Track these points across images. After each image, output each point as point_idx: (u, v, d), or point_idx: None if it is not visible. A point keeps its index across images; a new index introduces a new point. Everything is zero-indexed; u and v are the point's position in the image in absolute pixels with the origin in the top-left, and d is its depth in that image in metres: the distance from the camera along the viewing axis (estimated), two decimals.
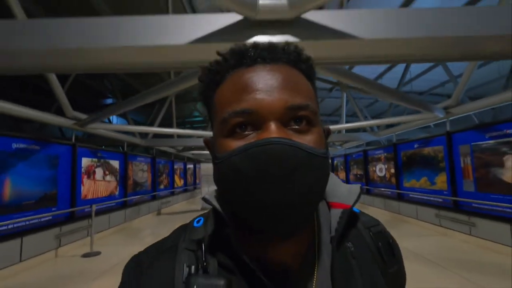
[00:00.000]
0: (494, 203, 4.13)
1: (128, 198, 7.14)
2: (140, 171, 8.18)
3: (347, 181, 10.50)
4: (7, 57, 1.80)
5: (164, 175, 10.15)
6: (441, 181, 5.43)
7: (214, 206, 0.39)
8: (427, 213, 5.81)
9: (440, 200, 5.42)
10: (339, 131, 8.34)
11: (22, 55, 1.78)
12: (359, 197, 0.41)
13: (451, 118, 5.06)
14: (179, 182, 11.97)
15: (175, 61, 1.88)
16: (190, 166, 14.16)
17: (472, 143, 4.65)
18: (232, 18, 1.73)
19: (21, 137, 4.14)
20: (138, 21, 1.77)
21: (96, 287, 3.28)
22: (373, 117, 11.05)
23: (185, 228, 0.43)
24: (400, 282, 0.45)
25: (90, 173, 5.74)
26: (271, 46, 0.37)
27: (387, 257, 0.43)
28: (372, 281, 0.39)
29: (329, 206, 0.43)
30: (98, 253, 4.62)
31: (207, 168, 10.72)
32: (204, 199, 0.40)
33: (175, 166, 11.46)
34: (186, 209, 10.23)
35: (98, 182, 5.98)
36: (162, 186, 9.83)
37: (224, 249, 0.37)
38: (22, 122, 7.94)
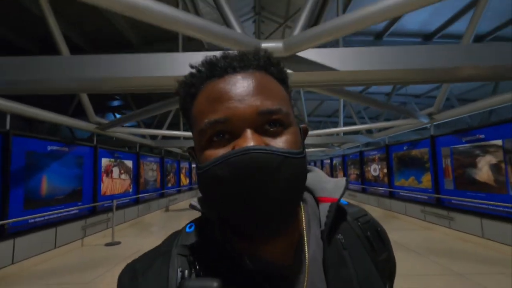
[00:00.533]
0: (468, 199, 4.69)
1: (141, 195, 7.75)
2: (150, 170, 8.79)
3: None
4: (54, 83, 2.36)
5: (171, 174, 10.76)
6: (427, 180, 5.99)
7: (201, 211, 0.41)
8: (414, 209, 6.37)
9: (425, 197, 5.98)
10: (337, 134, 8.90)
11: (64, 81, 2.33)
12: (345, 189, 0.43)
13: (435, 123, 5.61)
14: (184, 180, 12.58)
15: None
16: (195, 165, 14.74)
17: (451, 146, 5.20)
18: None
19: (54, 140, 4.75)
20: (158, 57, 2.27)
21: (117, 271, 3.87)
22: (371, 118, 11.65)
23: (177, 234, 0.44)
24: (390, 267, 0.46)
25: (108, 172, 6.34)
26: (240, 54, 0.38)
27: (377, 244, 0.44)
28: (364, 270, 0.40)
29: (317, 201, 0.45)
30: (118, 243, 5.23)
31: None
32: (191, 206, 0.41)
33: (181, 165, 12.06)
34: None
35: (115, 180, 6.59)
36: (169, 185, 10.44)
37: (215, 252, 0.38)
38: (36, 122, 8.56)
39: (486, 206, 4.38)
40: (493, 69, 2.22)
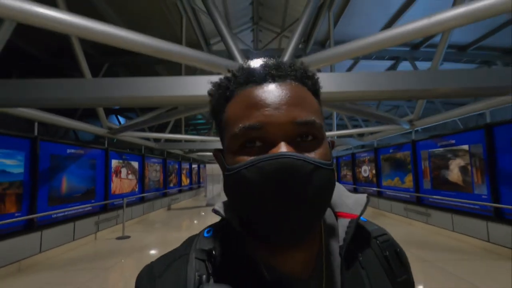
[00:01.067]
0: (440, 197, 5.29)
1: (146, 194, 8.29)
2: (154, 171, 9.32)
3: (338, 181, 11.62)
4: (79, 100, 2.86)
5: (173, 175, 11.29)
6: (409, 180, 6.57)
7: (224, 217, 0.40)
8: (398, 207, 6.96)
9: (408, 196, 6.56)
10: (331, 137, 9.48)
11: (87, 99, 2.84)
12: (365, 206, 0.42)
13: (415, 129, 6.21)
14: (185, 181, 13.11)
15: (192, 102, 2.86)
16: (195, 166, 15.33)
17: (429, 150, 5.79)
18: None
19: (72, 144, 5.28)
20: (165, 80, 2.75)
21: (130, 261, 4.42)
22: (364, 121, 12.28)
23: (195, 238, 0.44)
24: None
25: (117, 173, 6.88)
26: (278, 64, 0.39)
27: (395, 266, 0.44)
28: None
29: (336, 216, 0.44)
30: (128, 237, 5.77)
31: (211, 168, 11.88)
32: (214, 211, 0.41)
33: (182, 166, 12.60)
34: (192, 205, 11.39)
35: (123, 180, 7.13)
36: (171, 185, 10.97)
37: (234, 259, 0.38)
38: (40, 125, 9.07)
39: (456, 204, 4.97)
40: (457, 90, 2.81)
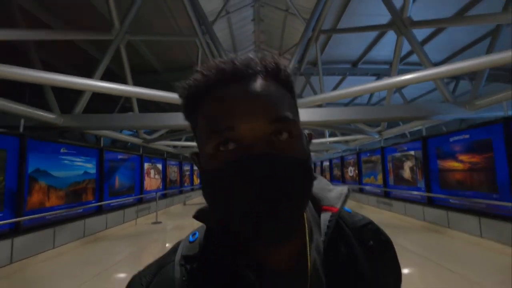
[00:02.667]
0: (398, 190, 6.97)
1: (168, 191, 10.07)
2: (173, 172, 11.11)
3: (331, 179, 13.33)
4: (129, 126, 4.54)
5: (186, 175, 13.08)
6: (380, 178, 8.26)
7: (203, 222, 0.41)
8: (373, 200, 8.65)
9: (379, 191, 8.25)
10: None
11: (135, 125, 4.52)
12: (346, 198, 0.43)
13: (384, 137, 7.89)
14: (196, 180, 14.90)
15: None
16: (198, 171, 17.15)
17: (392, 154, 7.49)
18: None
19: (120, 151, 7.08)
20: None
21: (163, 239, 6.18)
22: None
23: (181, 244, 0.44)
24: (395, 278, 0.46)
25: (148, 173, 8.67)
26: (248, 60, 0.37)
27: (380, 254, 0.44)
28: (366, 280, 0.40)
29: (320, 210, 0.44)
30: (160, 222, 7.54)
31: None
32: (195, 216, 0.41)
33: (194, 168, 14.38)
34: (203, 201, 13.13)
35: (152, 179, 8.91)
36: (186, 184, 12.76)
37: (218, 263, 0.38)
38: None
39: (407, 195, 6.66)
40: (392, 118, 4.49)
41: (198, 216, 0.41)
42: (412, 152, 6.53)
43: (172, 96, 4.09)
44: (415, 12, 4.56)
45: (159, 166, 9.66)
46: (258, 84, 0.36)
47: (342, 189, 0.45)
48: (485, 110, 4.49)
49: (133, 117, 4.91)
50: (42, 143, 4.54)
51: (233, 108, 0.34)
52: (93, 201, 5.77)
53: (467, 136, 4.83)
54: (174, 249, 0.43)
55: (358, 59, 8.16)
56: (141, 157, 8.18)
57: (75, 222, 5.18)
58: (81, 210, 5.38)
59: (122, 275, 3.76)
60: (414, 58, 6.60)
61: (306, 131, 0.41)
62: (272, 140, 0.34)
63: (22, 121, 4.15)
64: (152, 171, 8.98)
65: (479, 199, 4.46)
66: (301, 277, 0.38)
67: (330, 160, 13.76)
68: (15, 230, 3.92)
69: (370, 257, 0.43)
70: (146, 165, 8.53)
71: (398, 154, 7.19)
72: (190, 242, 0.42)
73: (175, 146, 10.63)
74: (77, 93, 4.43)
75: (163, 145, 8.95)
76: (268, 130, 0.34)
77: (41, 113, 3.95)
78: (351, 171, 10.93)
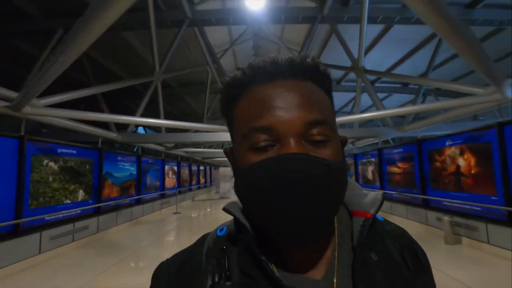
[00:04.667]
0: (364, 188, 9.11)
1: (181, 189, 12.14)
2: (184, 173, 13.19)
3: None
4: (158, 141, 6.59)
5: (194, 175, 15.16)
6: (354, 179, 10.38)
7: (235, 216, 0.40)
8: None
9: None
10: None
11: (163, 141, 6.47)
12: (381, 205, 0.41)
13: (357, 146, 10.00)
14: (202, 180, 17.01)
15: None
16: (206, 168, 19.26)
17: (360, 160, 9.62)
18: None
19: (150, 157, 9.15)
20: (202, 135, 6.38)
21: (184, 224, 8.27)
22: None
23: (207, 237, 0.44)
24: None
25: (168, 174, 10.74)
26: (289, 60, 0.37)
27: (414, 267, 0.41)
28: None
29: (351, 214, 0.43)
30: (179, 212, 9.62)
31: (223, 170, 15.79)
32: (225, 209, 0.41)
33: (200, 168, 16.47)
34: (209, 198, 15.26)
35: (169, 179, 10.98)
36: (194, 182, 14.84)
37: (246, 258, 0.38)
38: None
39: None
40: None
41: (228, 210, 0.41)
42: (373, 159, 8.66)
43: (190, 125, 6.21)
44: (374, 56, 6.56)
45: (175, 167, 11.74)
46: (298, 84, 0.36)
47: (376, 194, 0.44)
48: (412, 132, 6.61)
49: (163, 136, 6.92)
50: (109, 153, 6.61)
51: (272, 108, 0.34)
52: (135, 195, 7.85)
53: (401, 150, 6.97)
54: (201, 242, 0.44)
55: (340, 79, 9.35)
56: (163, 161, 10.26)
57: (126, 209, 7.25)
58: (128, 201, 7.45)
59: (159, 248, 5.86)
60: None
61: (341, 136, 0.40)
62: (309, 141, 0.34)
63: (100, 140, 6.20)
64: (170, 172, 11.05)
65: (406, 194, 6.59)
66: (328, 284, 0.37)
67: None
68: (98, 212, 5.98)
69: (404, 269, 0.40)
70: (166, 167, 10.60)
71: (364, 160, 9.33)
72: (218, 236, 0.43)
73: (186, 151, 12.76)
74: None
75: (179, 151, 11.03)
76: (306, 132, 0.34)
77: (109, 133, 5.98)
78: None
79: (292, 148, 0.33)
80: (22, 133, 4.18)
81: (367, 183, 9.05)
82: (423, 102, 9.33)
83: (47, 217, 4.57)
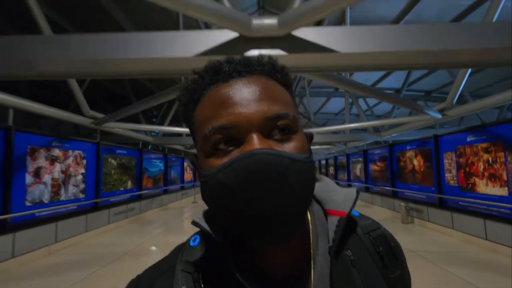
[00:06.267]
0: (354, 183, 10.72)
1: (196, 183, 13.99)
2: None
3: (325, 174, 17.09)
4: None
5: None
6: (346, 175, 12.00)
7: (203, 228, 0.39)
8: None
9: (345, 184, 11.99)
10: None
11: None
12: (355, 202, 0.41)
13: (348, 147, 11.59)
14: None
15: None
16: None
17: (351, 159, 11.23)
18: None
19: (173, 155, 10.98)
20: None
21: (198, 210, 10.10)
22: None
23: (181, 248, 0.43)
24: (403, 286, 0.44)
25: (186, 169, 12.58)
26: (245, 59, 0.38)
27: (389, 261, 0.42)
28: None
29: (326, 213, 0.43)
30: (196, 202, 11.45)
31: None
32: (194, 223, 0.40)
33: None
34: None
35: (187, 174, 12.83)
36: None
37: (219, 269, 0.37)
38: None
39: (357, 185, 10.40)
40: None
41: (197, 223, 0.39)
42: (360, 159, 10.26)
43: None
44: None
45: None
46: (257, 81, 0.36)
47: (350, 191, 0.43)
48: (392, 137, 8.19)
49: (184, 139, 8.64)
50: (146, 153, 8.44)
51: (230, 106, 0.34)
52: (163, 186, 9.70)
53: (379, 151, 8.56)
54: (174, 253, 0.43)
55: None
56: (183, 158, 12.10)
57: (158, 197, 9.10)
58: (158, 191, 9.28)
59: (185, 224, 7.66)
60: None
61: (307, 131, 0.40)
62: (272, 136, 0.34)
63: (140, 142, 8.00)
64: (188, 168, 12.90)
65: (382, 187, 8.21)
66: (305, 285, 0.37)
67: (319, 160, 17.56)
68: (139, 198, 7.82)
69: (380, 264, 0.40)
70: (185, 164, 12.45)
71: (354, 160, 10.93)
72: (191, 247, 0.41)
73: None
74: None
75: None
76: (268, 127, 0.34)
77: (147, 137, 7.76)
78: (331, 170, 14.70)
79: (254, 144, 0.32)
80: (98, 140, 6.01)
81: (357, 179, 10.68)
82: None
83: (112, 199, 6.42)
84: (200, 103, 0.37)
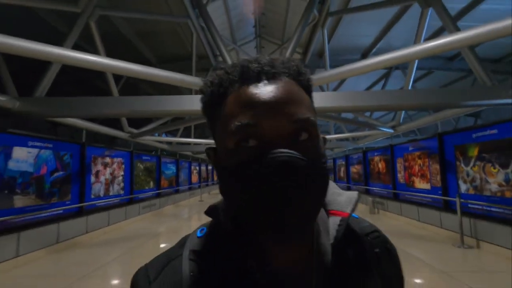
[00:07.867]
0: (338, 184, 12.45)
1: (203, 183, 15.68)
2: (204, 171, 16.72)
3: None
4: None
5: (210, 173, 18.71)
6: (332, 178, 13.71)
7: (215, 217, 0.42)
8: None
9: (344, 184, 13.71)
10: None
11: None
12: (356, 204, 0.43)
13: (335, 153, 13.31)
14: (215, 177, 20.57)
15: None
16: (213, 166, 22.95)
17: (337, 163, 12.96)
18: None
19: (183, 159, 12.67)
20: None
21: (204, 209, 11.79)
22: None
23: (189, 238, 0.45)
24: (398, 286, 0.46)
25: (192, 172, 14.26)
26: (272, 61, 0.39)
27: (385, 261, 0.45)
28: (370, 286, 0.41)
29: (328, 213, 0.44)
30: (203, 200, 13.12)
31: None
32: (206, 213, 0.43)
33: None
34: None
35: (194, 176, 14.51)
36: (209, 179, 18.38)
37: (226, 259, 0.39)
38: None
39: (342, 187, 12.11)
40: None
41: (209, 212, 0.43)
42: (343, 162, 11.99)
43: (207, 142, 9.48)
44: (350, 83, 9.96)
45: (197, 167, 15.30)
46: (282, 84, 0.37)
47: (352, 193, 0.45)
48: (371, 143, 9.91)
49: (192, 147, 10.36)
50: (163, 158, 10.15)
51: (257, 106, 0.35)
52: (175, 187, 11.38)
53: (357, 156, 10.31)
54: (181, 243, 0.44)
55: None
56: (190, 162, 13.81)
57: (172, 196, 10.79)
58: (172, 190, 10.97)
59: (198, 215, 9.35)
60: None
61: (321, 135, 0.41)
62: (294, 139, 0.35)
63: (159, 150, 9.70)
64: (195, 171, 14.61)
65: (358, 186, 9.92)
66: (306, 280, 0.38)
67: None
68: (159, 195, 9.51)
69: (375, 264, 0.43)
70: (192, 167, 14.15)
71: (338, 163, 12.68)
72: (198, 237, 0.43)
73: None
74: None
75: (202, 155, 14.56)
76: (291, 130, 0.34)
77: (164, 145, 9.48)
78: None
79: (276, 145, 0.33)
80: (132, 149, 7.72)
81: (340, 179, 12.41)
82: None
83: (140, 195, 8.12)
84: (228, 100, 0.38)
